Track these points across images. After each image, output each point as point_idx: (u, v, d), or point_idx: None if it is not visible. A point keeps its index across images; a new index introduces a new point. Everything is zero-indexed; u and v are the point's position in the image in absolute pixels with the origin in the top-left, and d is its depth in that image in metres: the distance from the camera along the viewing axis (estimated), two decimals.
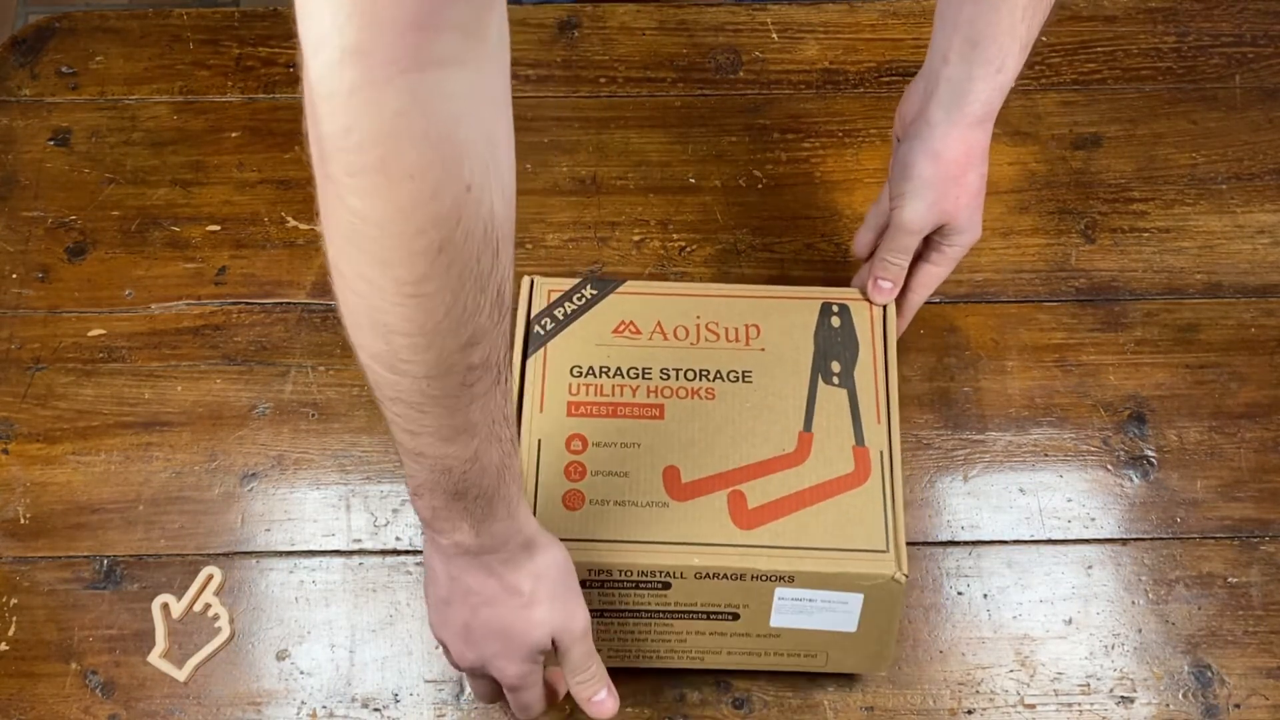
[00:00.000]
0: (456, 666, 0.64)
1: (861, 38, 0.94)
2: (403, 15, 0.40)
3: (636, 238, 0.86)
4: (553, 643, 0.61)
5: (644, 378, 0.71)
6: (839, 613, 0.66)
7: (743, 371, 0.71)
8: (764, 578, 0.65)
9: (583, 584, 0.64)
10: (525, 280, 0.74)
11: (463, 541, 0.57)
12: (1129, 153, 0.90)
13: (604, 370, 0.71)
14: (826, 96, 0.92)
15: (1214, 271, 0.85)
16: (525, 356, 0.71)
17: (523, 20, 0.94)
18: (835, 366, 0.71)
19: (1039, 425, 0.80)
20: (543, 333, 0.72)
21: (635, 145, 0.90)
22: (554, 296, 0.74)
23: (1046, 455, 0.79)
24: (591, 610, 0.63)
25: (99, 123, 0.91)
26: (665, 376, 0.71)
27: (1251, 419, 0.80)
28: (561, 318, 0.73)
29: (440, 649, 0.64)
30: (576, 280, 0.74)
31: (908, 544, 0.76)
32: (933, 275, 0.74)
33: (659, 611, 0.67)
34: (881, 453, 0.68)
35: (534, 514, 0.61)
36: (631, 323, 0.73)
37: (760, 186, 0.88)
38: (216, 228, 0.87)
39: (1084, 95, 0.92)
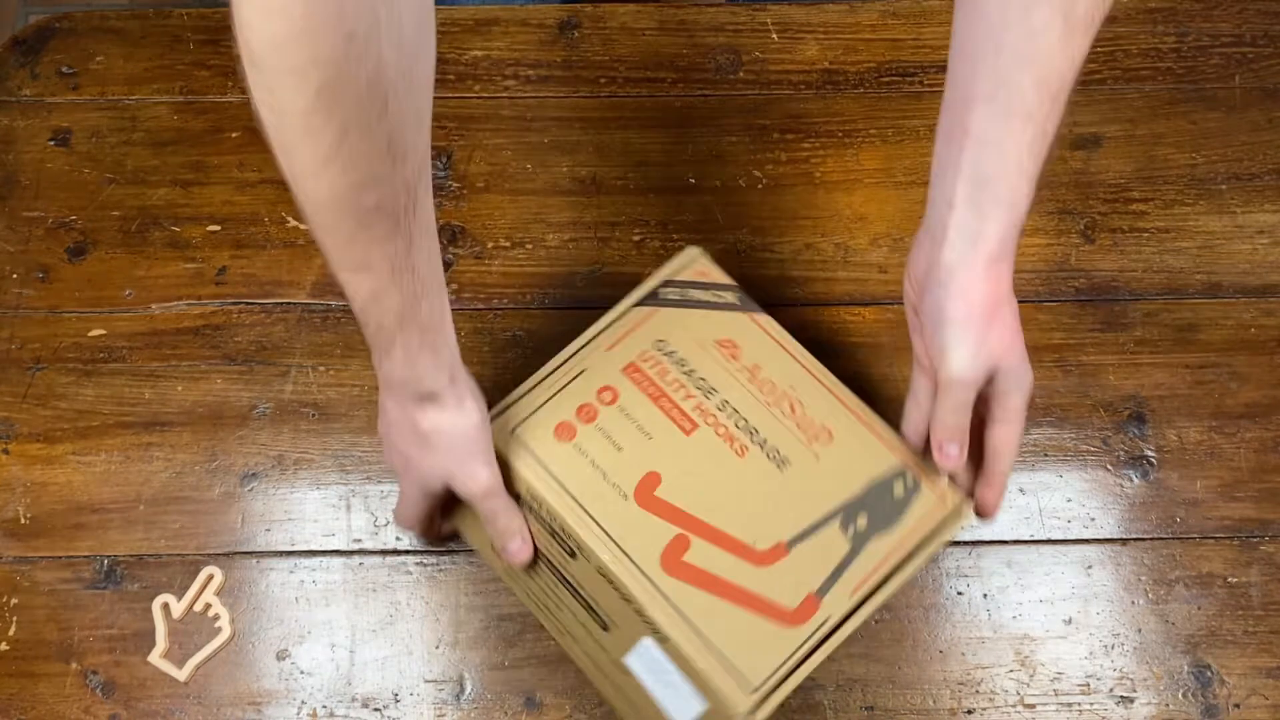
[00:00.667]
0: None
1: (861, 38, 0.94)
2: None
3: (636, 238, 0.86)
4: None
5: (705, 395, 0.69)
6: (681, 702, 0.64)
7: (784, 458, 0.68)
8: (646, 620, 0.63)
9: (516, 499, 0.68)
10: (690, 250, 0.74)
11: (376, 364, 0.64)
12: (1129, 153, 0.90)
13: (681, 363, 0.70)
14: (826, 97, 0.92)
15: (1214, 271, 0.85)
16: (638, 303, 0.72)
17: (523, 20, 0.94)
18: (861, 521, 0.67)
19: (1039, 425, 0.80)
20: (665, 298, 0.72)
21: (635, 145, 0.90)
22: (698, 278, 0.73)
23: (1046, 455, 0.79)
24: (525, 506, 0.67)
25: (99, 123, 0.91)
26: (721, 409, 0.69)
27: (1251, 419, 0.81)
28: (688, 299, 0.72)
29: None
30: (730, 283, 0.73)
31: None
32: (1006, 436, 0.66)
33: (556, 570, 0.68)
34: (829, 619, 0.64)
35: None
36: (737, 346, 0.71)
37: (760, 186, 0.88)
38: (217, 228, 0.87)
39: (1084, 95, 0.92)
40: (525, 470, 0.66)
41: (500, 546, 0.68)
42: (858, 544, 0.66)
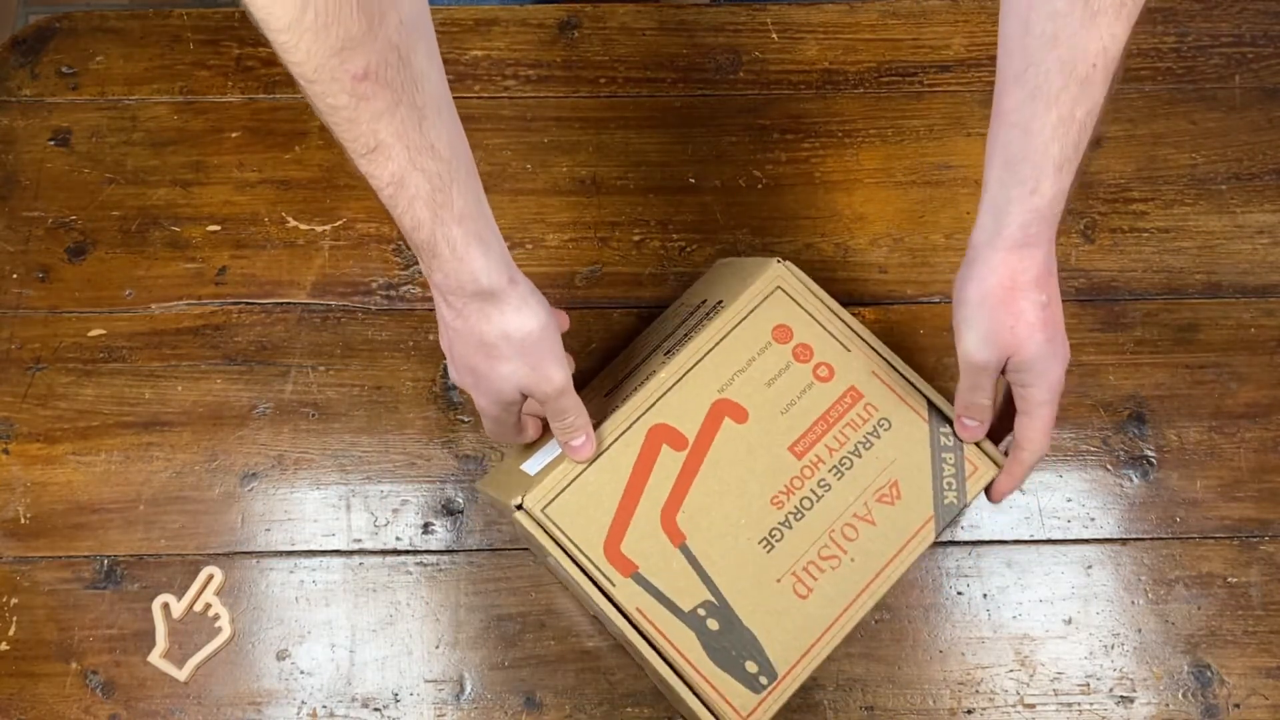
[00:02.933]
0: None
1: (861, 38, 0.94)
2: None
3: (636, 238, 0.86)
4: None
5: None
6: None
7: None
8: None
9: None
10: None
11: (427, 273, 0.61)
12: (1129, 153, 0.90)
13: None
14: (826, 96, 0.92)
15: (1214, 271, 0.85)
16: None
17: (523, 20, 0.94)
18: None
19: None
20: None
21: (635, 145, 0.90)
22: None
23: (1046, 455, 0.79)
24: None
25: (99, 123, 0.91)
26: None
27: (1251, 419, 0.81)
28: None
29: None
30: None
31: None
32: (1026, 428, 0.66)
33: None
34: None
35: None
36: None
37: (760, 186, 0.88)
38: (217, 228, 0.87)
39: None
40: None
41: (564, 440, 0.66)
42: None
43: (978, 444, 0.69)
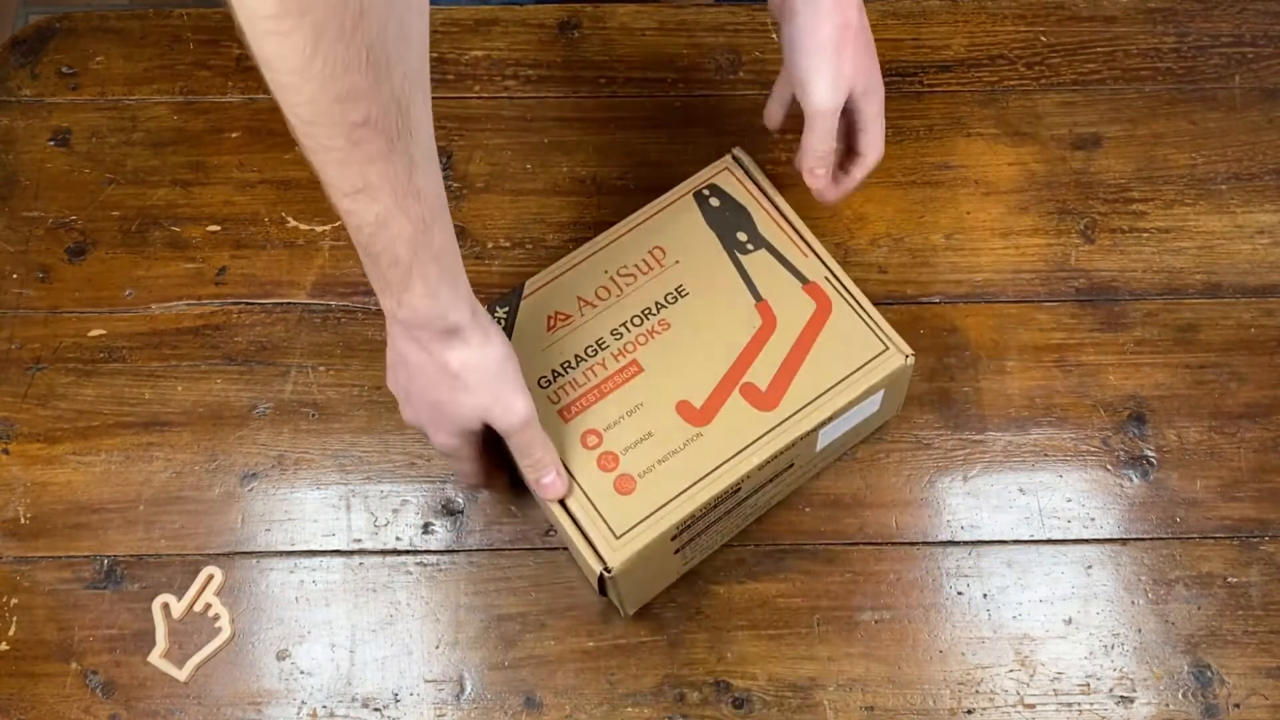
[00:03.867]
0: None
1: None
2: None
3: None
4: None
5: (602, 349, 0.73)
6: (866, 410, 0.74)
7: (676, 290, 0.74)
8: (810, 433, 0.70)
9: (672, 540, 0.69)
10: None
11: (390, 309, 0.61)
12: (1129, 153, 0.90)
13: (565, 365, 0.72)
14: None
15: (1214, 271, 0.85)
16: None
17: (523, 20, 0.94)
18: (741, 236, 0.75)
19: (1039, 425, 0.80)
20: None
21: (635, 145, 0.90)
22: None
23: (1046, 455, 0.79)
24: (681, 548, 0.70)
25: (99, 123, 0.91)
26: (618, 336, 0.73)
27: (1251, 419, 0.81)
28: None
29: None
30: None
31: (907, 543, 0.77)
32: (871, 142, 0.73)
33: (734, 506, 0.72)
34: (826, 278, 0.74)
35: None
36: (557, 312, 0.74)
37: None
38: (217, 228, 0.87)
39: (1084, 95, 0.92)
40: (674, 516, 0.67)
41: (534, 480, 0.67)
42: (760, 243, 0.75)
43: None
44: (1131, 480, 0.79)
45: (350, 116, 0.51)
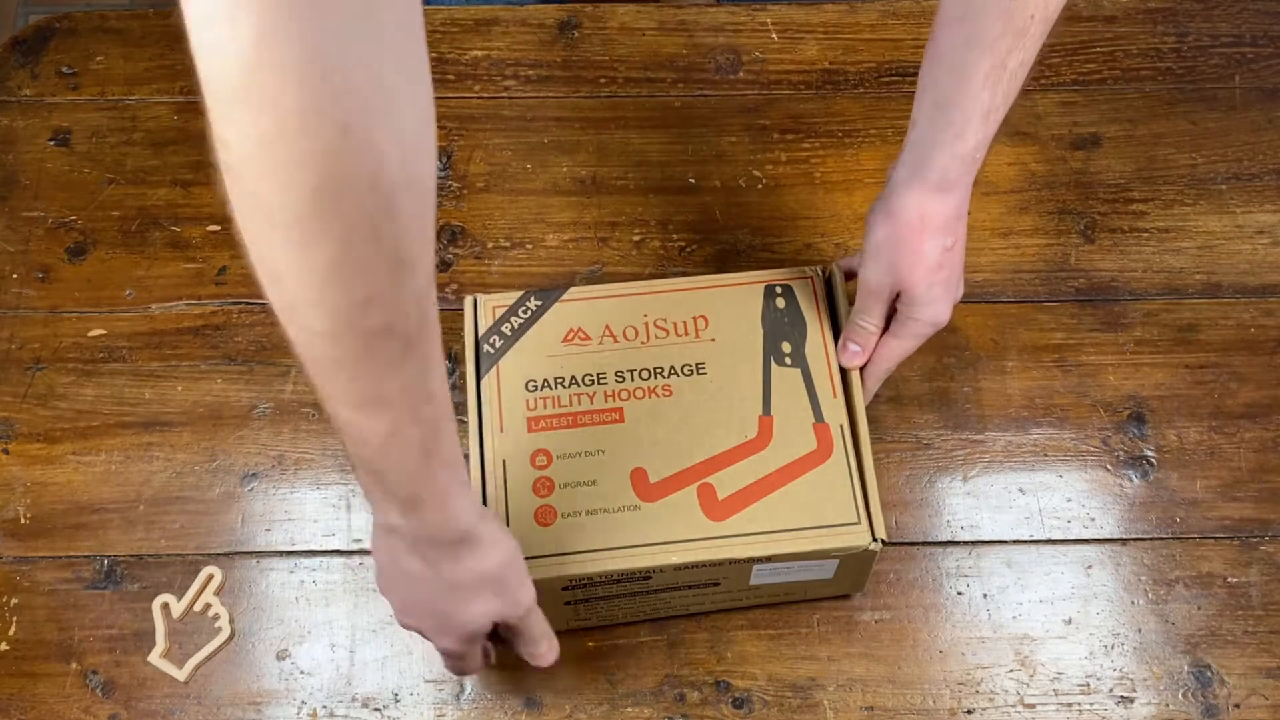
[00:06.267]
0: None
1: (861, 38, 0.94)
2: None
3: (636, 238, 0.86)
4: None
5: (600, 383, 0.71)
6: (815, 571, 0.69)
7: (696, 364, 0.72)
8: (741, 563, 0.67)
9: (563, 590, 0.66)
10: (468, 300, 0.74)
11: (394, 524, 0.56)
12: (1129, 153, 0.90)
13: (559, 381, 0.71)
14: (826, 97, 0.92)
15: (1214, 271, 0.85)
16: (479, 377, 0.71)
17: (523, 20, 0.94)
18: (786, 347, 0.72)
19: (1039, 425, 0.80)
20: (492, 351, 0.72)
21: (635, 145, 0.90)
22: (499, 313, 0.73)
23: (1046, 455, 0.79)
24: (574, 602, 0.67)
25: (99, 123, 0.91)
26: (620, 379, 0.71)
27: (1251, 419, 0.80)
28: (509, 333, 0.73)
29: None
30: (519, 294, 0.74)
31: (907, 543, 0.77)
32: (892, 348, 0.71)
33: (642, 592, 0.69)
34: (841, 426, 0.70)
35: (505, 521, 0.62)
36: (580, 329, 0.73)
37: (760, 186, 0.88)
38: (217, 228, 0.87)
39: (1084, 95, 0.92)
40: (573, 569, 0.66)
41: (531, 653, 0.64)
42: (800, 363, 0.72)
43: None
44: (1131, 480, 0.79)
45: (370, 323, 0.46)
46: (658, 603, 0.71)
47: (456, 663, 0.65)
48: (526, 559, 0.62)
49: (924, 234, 0.66)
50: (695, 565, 0.66)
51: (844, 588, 0.73)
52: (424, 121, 0.45)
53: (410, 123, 0.44)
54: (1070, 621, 0.75)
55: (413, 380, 0.49)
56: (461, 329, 0.73)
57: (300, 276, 0.44)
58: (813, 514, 0.67)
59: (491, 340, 0.72)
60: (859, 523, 0.67)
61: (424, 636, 0.63)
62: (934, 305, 0.69)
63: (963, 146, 0.64)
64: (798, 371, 0.71)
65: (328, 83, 0.40)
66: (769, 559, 0.66)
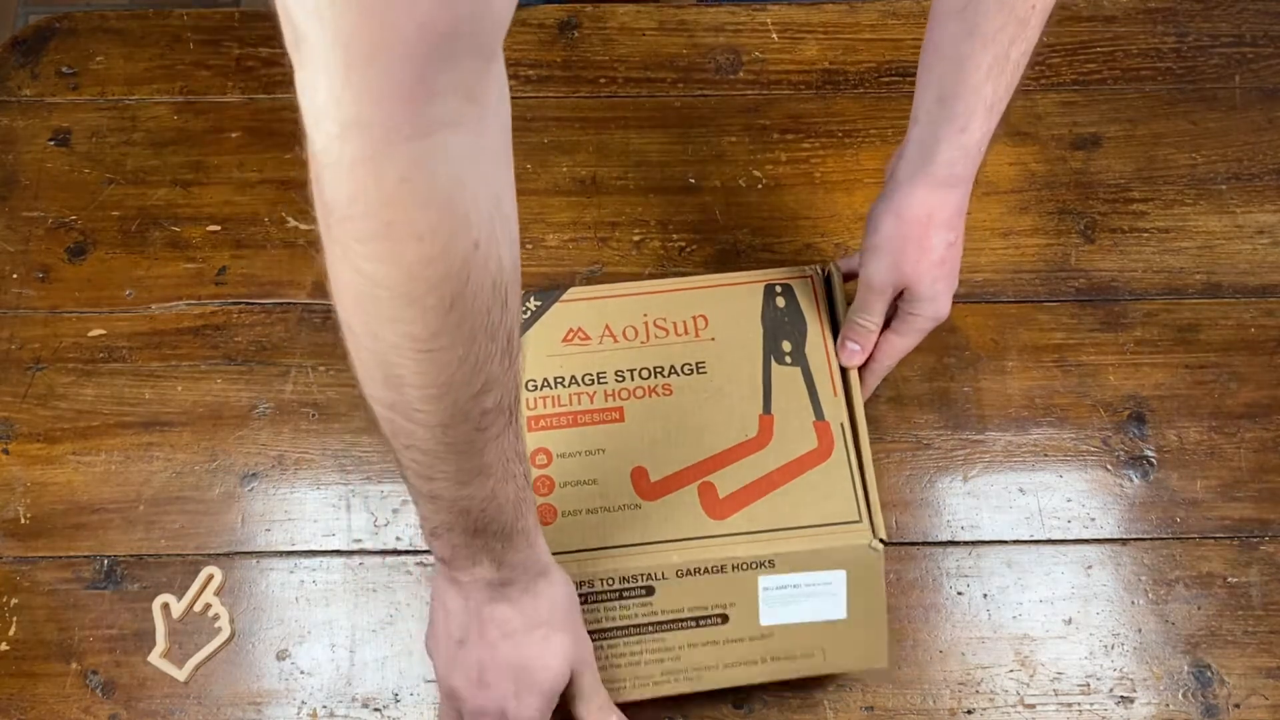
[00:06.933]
0: (458, 716, 0.62)
1: (861, 38, 0.94)
2: (399, 85, 0.40)
3: (636, 238, 0.86)
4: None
5: (599, 382, 0.71)
6: (825, 597, 0.67)
7: (696, 363, 0.72)
8: (744, 565, 0.65)
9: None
10: None
11: (484, 576, 0.57)
12: (1129, 153, 0.90)
13: (559, 381, 0.71)
14: (826, 97, 0.92)
15: (1214, 271, 0.85)
16: None
17: (523, 20, 0.94)
18: (786, 346, 0.72)
19: (1039, 425, 0.80)
20: None
21: (635, 145, 0.90)
22: None
23: (1046, 455, 0.79)
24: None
25: (99, 123, 0.91)
26: (620, 379, 0.71)
27: (1251, 419, 0.80)
28: None
29: (441, 704, 0.64)
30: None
31: (907, 543, 0.77)
32: (894, 345, 0.72)
33: (648, 625, 0.67)
34: (842, 424, 0.70)
35: None
36: (580, 329, 0.73)
37: (760, 186, 0.88)
38: (217, 228, 0.87)
39: (1084, 95, 0.92)
40: (572, 568, 0.65)
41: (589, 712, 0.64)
42: (800, 361, 0.71)
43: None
44: (1131, 480, 0.79)
45: (484, 405, 0.48)
46: (663, 649, 0.67)
47: None
48: None
49: (930, 230, 0.67)
50: (698, 569, 0.65)
51: (861, 644, 0.68)
52: (516, 218, 0.48)
53: (513, 224, 0.47)
54: (1070, 621, 0.75)
55: (511, 444, 0.52)
56: None
57: (428, 380, 0.46)
58: (814, 512, 0.67)
59: None
60: (860, 520, 0.67)
61: (496, 715, 0.61)
62: (937, 300, 0.70)
63: (967, 140, 0.64)
64: (798, 370, 0.71)
65: (460, 206, 0.43)
66: (772, 560, 0.65)
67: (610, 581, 0.66)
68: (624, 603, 0.66)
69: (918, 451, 0.79)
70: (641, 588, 0.66)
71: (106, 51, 0.94)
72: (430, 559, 0.77)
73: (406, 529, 0.77)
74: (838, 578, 0.66)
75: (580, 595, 0.65)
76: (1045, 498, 0.78)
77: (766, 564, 0.66)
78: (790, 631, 0.67)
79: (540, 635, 0.60)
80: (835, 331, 0.73)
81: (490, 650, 0.60)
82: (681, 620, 0.67)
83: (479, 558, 0.57)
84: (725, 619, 0.67)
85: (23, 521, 0.77)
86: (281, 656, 0.74)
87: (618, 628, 0.67)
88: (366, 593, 0.76)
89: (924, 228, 0.67)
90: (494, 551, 0.56)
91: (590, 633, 0.65)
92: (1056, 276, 0.85)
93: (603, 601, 0.66)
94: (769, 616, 0.67)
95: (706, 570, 0.66)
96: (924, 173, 0.65)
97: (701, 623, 0.67)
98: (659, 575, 0.66)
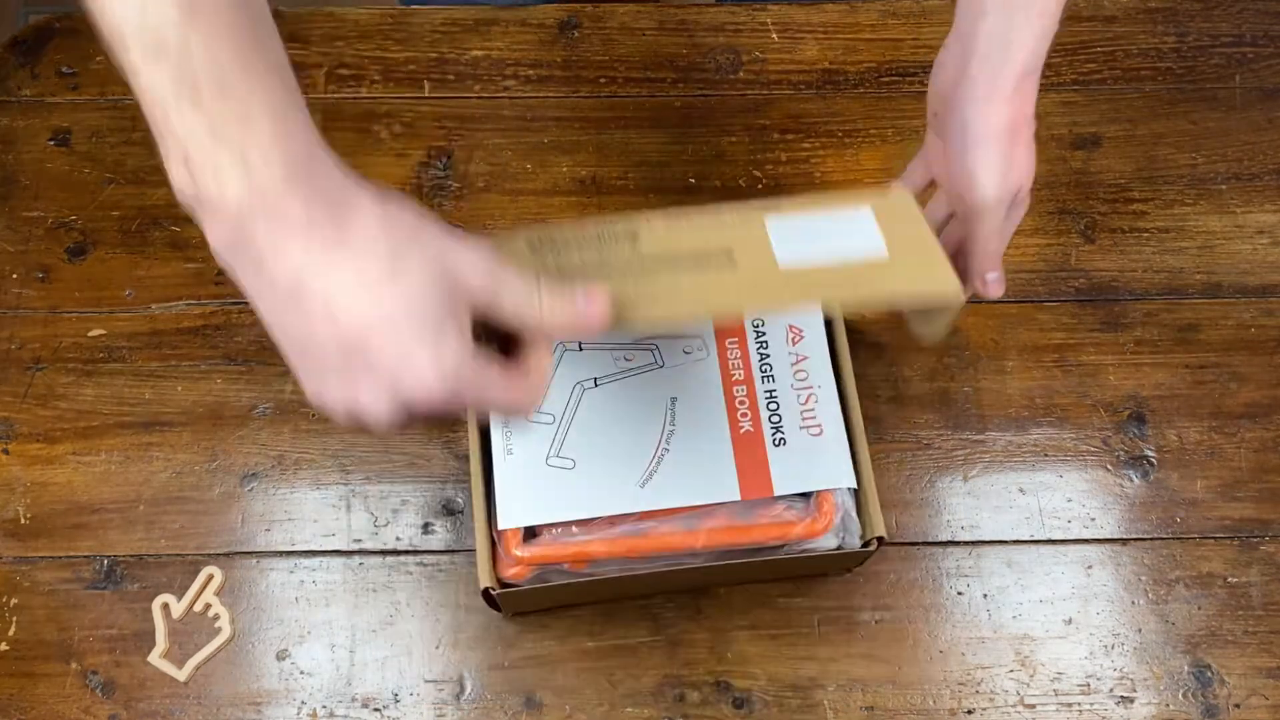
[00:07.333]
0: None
1: (861, 38, 0.94)
2: None
3: None
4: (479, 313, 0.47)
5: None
6: (854, 236, 0.54)
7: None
8: (742, 216, 0.53)
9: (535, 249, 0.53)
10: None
11: (233, 195, 0.44)
12: (1129, 153, 0.90)
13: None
14: (826, 96, 0.92)
15: (1214, 271, 0.85)
16: None
17: (523, 20, 0.94)
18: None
19: (1039, 425, 0.80)
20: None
21: (635, 145, 0.90)
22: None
23: (1046, 455, 0.79)
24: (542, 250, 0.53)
25: (99, 123, 0.91)
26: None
27: (1251, 419, 0.81)
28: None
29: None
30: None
31: (907, 543, 0.77)
32: (1007, 232, 0.65)
33: (634, 264, 0.53)
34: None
35: None
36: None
37: (760, 186, 0.88)
38: None
39: (1084, 95, 0.92)
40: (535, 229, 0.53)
41: (571, 318, 0.49)
42: None
43: None
44: (1131, 480, 0.79)
45: None
46: (662, 290, 0.51)
47: (473, 394, 0.46)
48: None
49: (1024, 125, 0.62)
50: (685, 215, 0.52)
51: (919, 273, 0.54)
52: None
53: None
54: (1070, 621, 0.75)
55: None
56: None
57: None
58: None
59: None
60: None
61: (377, 404, 0.46)
62: (1030, 186, 0.63)
63: (1046, 23, 0.60)
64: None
65: None
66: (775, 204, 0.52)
67: (583, 230, 0.52)
68: (603, 245, 0.53)
69: (918, 451, 0.79)
70: (623, 233, 0.53)
71: (106, 51, 0.93)
72: (430, 559, 0.77)
73: (406, 529, 0.77)
74: (863, 214, 0.54)
75: (547, 245, 0.51)
76: (1045, 498, 0.78)
77: (770, 209, 0.54)
78: (819, 275, 0.53)
79: (398, 263, 0.45)
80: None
81: (330, 302, 0.46)
82: (677, 259, 0.52)
83: (213, 150, 0.44)
84: (731, 259, 0.53)
85: (23, 521, 0.78)
86: (281, 656, 0.74)
87: (598, 272, 0.52)
88: (366, 593, 0.76)
89: (1019, 125, 0.62)
90: (229, 138, 0.43)
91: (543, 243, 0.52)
92: (1056, 276, 0.85)
93: (578, 249, 0.52)
94: (786, 255, 0.52)
95: (709, 216, 0.53)
96: (1007, 66, 0.60)
97: (703, 265, 0.53)
98: (642, 221, 0.54)
